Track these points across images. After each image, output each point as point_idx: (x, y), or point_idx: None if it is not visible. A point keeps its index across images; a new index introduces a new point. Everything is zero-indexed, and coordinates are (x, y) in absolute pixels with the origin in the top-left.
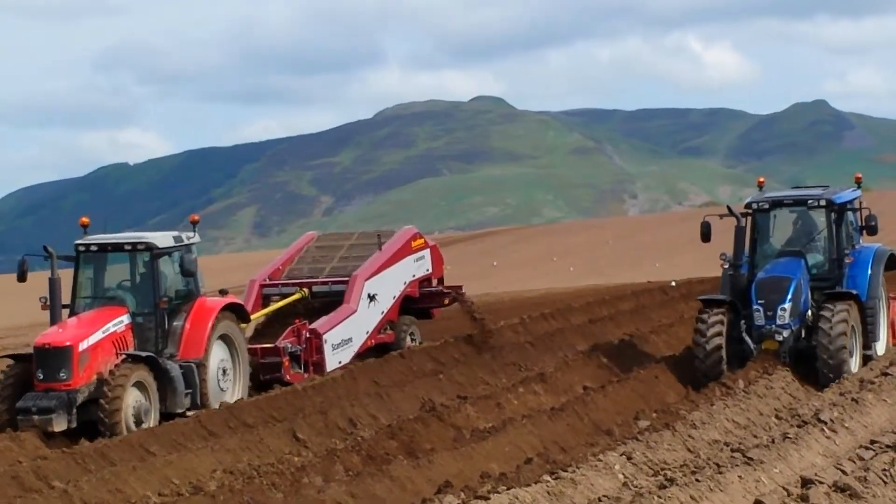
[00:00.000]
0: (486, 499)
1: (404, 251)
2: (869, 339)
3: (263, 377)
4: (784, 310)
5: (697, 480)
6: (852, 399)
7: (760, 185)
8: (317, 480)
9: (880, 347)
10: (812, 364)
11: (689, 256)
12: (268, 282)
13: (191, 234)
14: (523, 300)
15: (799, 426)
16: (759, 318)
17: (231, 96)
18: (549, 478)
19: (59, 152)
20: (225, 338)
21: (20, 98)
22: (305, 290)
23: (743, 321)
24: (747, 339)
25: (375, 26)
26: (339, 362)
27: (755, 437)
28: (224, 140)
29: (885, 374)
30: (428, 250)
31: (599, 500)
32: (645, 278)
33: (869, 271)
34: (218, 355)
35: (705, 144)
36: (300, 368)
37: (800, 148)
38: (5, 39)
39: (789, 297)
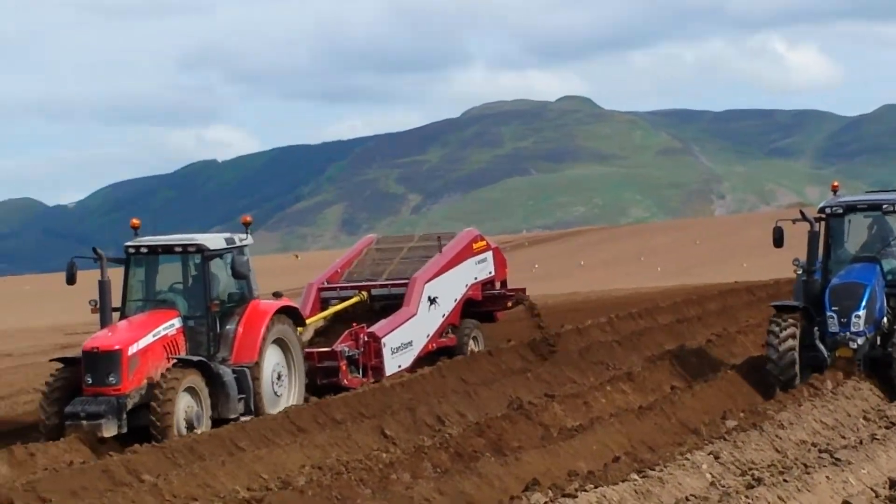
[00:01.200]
0: (574, 497)
1: (465, 253)
2: None
3: (320, 382)
4: (858, 317)
5: (785, 481)
6: None
7: (835, 190)
8: (405, 477)
9: None
10: (887, 372)
11: (777, 257)
12: (326, 285)
13: (243, 235)
14: (610, 299)
15: (887, 427)
16: (833, 325)
17: (317, 95)
18: (636, 476)
19: (147, 149)
20: (280, 342)
21: (108, 96)
22: (364, 293)
23: (816, 328)
24: (821, 346)
25: (461, 26)
26: (399, 366)
27: (843, 437)
28: (311, 138)
29: None
30: (490, 252)
31: (687, 499)
32: (732, 278)
33: None
34: (272, 360)
35: (792, 145)
36: (358, 373)
37: (888, 150)
38: (94, 38)
39: (864, 303)
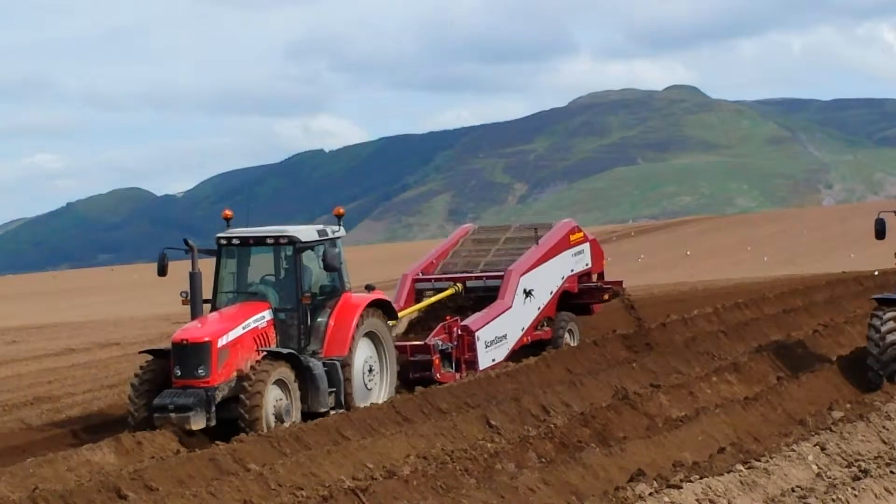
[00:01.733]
0: (679, 488)
1: (562, 245)
2: None
3: (413, 376)
4: None
5: (892, 472)
6: None
7: None
8: (509, 467)
9: None
10: None
11: (886, 248)
12: (421, 276)
13: (336, 227)
14: (717, 289)
15: None
16: None
17: (423, 84)
18: (741, 467)
19: (254, 139)
20: (371, 335)
21: (215, 86)
22: (459, 284)
23: None
24: None
25: (567, 15)
26: (493, 360)
27: None
28: (418, 127)
29: None
30: (587, 244)
31: (793, 490)
32: (839, 268)
33: None
34: (364, 353)
35: None
36: (451, 367)
37: None
38: (201, 29)
39: None
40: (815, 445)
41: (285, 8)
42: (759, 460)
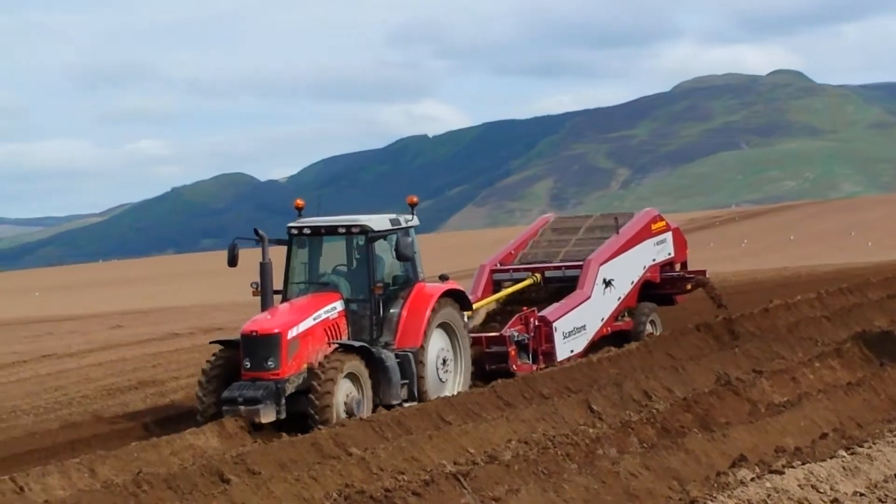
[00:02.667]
0: (781, 473)
1: (643, 234)
2: None
3: (489, 367)
4: None
5: None
6: None
7: None
8: (611, 452)
9: None
10: None
11: None
12: (499, 266)
13: (409, 216)
14: (820, 274)
15: None
16: None
17: (525, 70)
18: (844, 453)
19: (357, 125)
20: (445, 326)
21: (318, 72)
22: (537, 275)
23: None
24: None
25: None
26: (571, 351)
27: None
28: (520, 113)
29: None
30: (669, 233)
31: None
32: None
33: None
34: (437, 345)
35: None
36: (528, 358)
37: None
38: (303, 14)
39: None
40: None
41: None
42: (862, 446)
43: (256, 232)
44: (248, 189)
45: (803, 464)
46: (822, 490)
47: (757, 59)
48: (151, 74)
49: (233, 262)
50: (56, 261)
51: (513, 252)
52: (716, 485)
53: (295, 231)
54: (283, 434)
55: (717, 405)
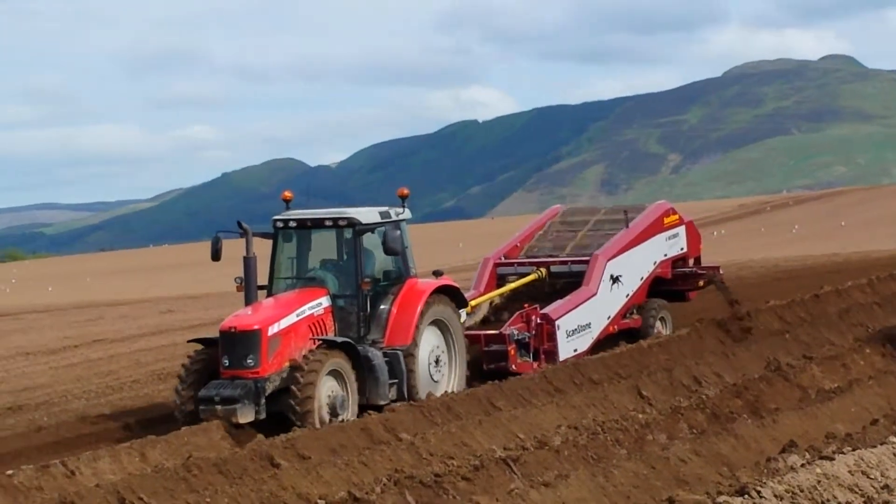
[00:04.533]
0: (831, 459)
1: (654, 228)
2: None
3: (487, 367)
4: None
5: None
6: None
7: None
8: (661, 438)
9: None
10: None
11: None
12: (503, 260)
13: (400, 209)
14: (872, 260)
15: None
16: None
17: (574, 55)
18: (895, 439)
19: (406, 110)
20: (439, 324)
21: (365, 57)
22: (542, 270)
23: None
24: None
25: None
26: (575, 350)
27: None
28: (570, 98)
29: None
30: (682, 227)
31: None
32: None
33: None
34: (430, 343)
35: None
36: (529, 357)
37: None
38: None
39: None
40: None
41: None
42: None
43: (240, 225)
44: (298, 174)
45: (854, 450)
46: (872, 476)
47: (808, 44)
48: (200, 60)
49: (216, 255)
50: (107, 246)
51: (518, 245)
52: (766, 470)
53: (280, 224)
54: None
55: (768, 391)
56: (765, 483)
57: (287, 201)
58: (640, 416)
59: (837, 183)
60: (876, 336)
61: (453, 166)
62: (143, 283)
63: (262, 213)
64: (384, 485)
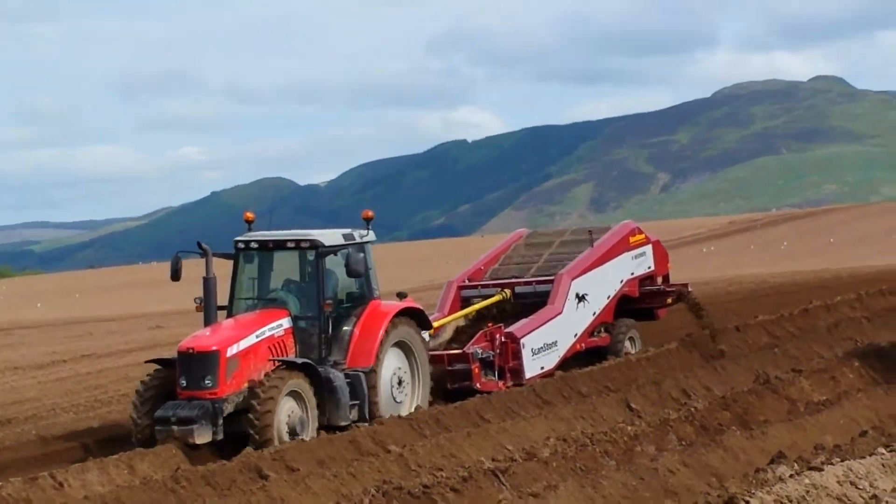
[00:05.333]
0: (820, 470)
1: (620, 247)
2: None
3: (451, 386)
4: None
5: None
6: None
7: None
8: (650, 449)
9: None
10: None
11: None
12: (467, 283)
13: (364, 231)
14: (861, 276)
15: None
16: None
17: (563, 77)
18: (883, 450)
19: (395, 131)
20: (402, 345)
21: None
22: (507, 291)
23: None
24: None
25: (707, 7)
26: (542, 368)
27: None
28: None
29: None
30: (649, 246)
31: None
32: None
33: None
34: (392, 364)
35: None
36: (493, 376)
37: None
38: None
39: None
40: None
41: (426, 1)
42: None
43: (200, 245)
44: (288, 193)
45: (842, 461)
46: (861, 487)
47: (797, 65)
48: (192, 81)
49: (175, 276)
50: (96, 263)
51: (483, 268)
52: (754, 481)
53: (242, 245)
54: (321, 431)
55: (756, 403)
56: (753, 493)
57: (249, 222)
58: (629, 428)
59: (826, 201)
60: (865, 350)
61: (443, 185)
62: (133, 300)
63: (253, 231)
64: (372, 496)
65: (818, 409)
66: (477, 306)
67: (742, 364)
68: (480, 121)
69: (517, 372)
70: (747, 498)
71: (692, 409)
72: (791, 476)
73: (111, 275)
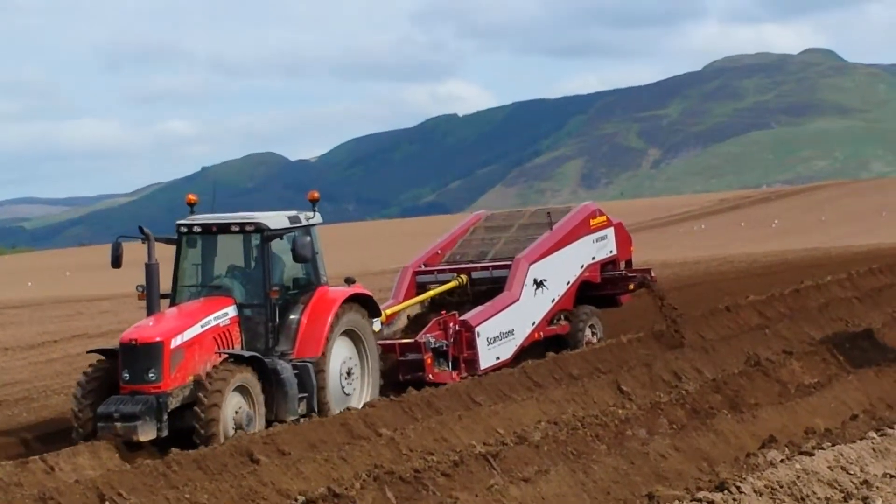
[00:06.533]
0: (811, 454)
1: (580, 230)
2: None
3: (403, 377)
4: None
5: None
6: None
7: None
8: (640, 433)
9: None
10: None
11: None
12: (423, 268)
13: (310, 213)
14: (851, 255)
15: None
16: None
17: (553, 50)
18: (874, 434)
19: (384, 105)
20: (351, 334)
21: (344, 52)
22: (463, 276)
23: None
24: None
25: None
26: (497, 358)
27: None
28: (550, 92)
29: None
30: (611, 229)
31: None
32: None
33: None
34: (341, 354)
35: None
36: (447, 366)
37: None
38: None
39: None
40: None
41: None
42: (893, 427)
43: (141, 230)
44: (278, 168)
45: (833, 445)
46: (851, 472)
47: (787, 38)
48: (178, 54)
49: (116, 262)
50: (86, 240)
51: (440, 252)
52: (745, 466)
53: (185, 229)
54: (313, 415)
55: (747, 386)
56: (744, 478)
57: (191, 205)
58: (620, 411)
59: (817, 177)
60: (856, 331)
61: (433, 161)
62: (124, 278)
63: (243, 208)
64: (364, 480)
65: (809, 392)
66: (432, 292)
67: (733, 345)
68: (469, 94)
69: (472, 362)
70: (738, 483)
71: (683, 392)
72: (782, 461)
73: (102, 252)
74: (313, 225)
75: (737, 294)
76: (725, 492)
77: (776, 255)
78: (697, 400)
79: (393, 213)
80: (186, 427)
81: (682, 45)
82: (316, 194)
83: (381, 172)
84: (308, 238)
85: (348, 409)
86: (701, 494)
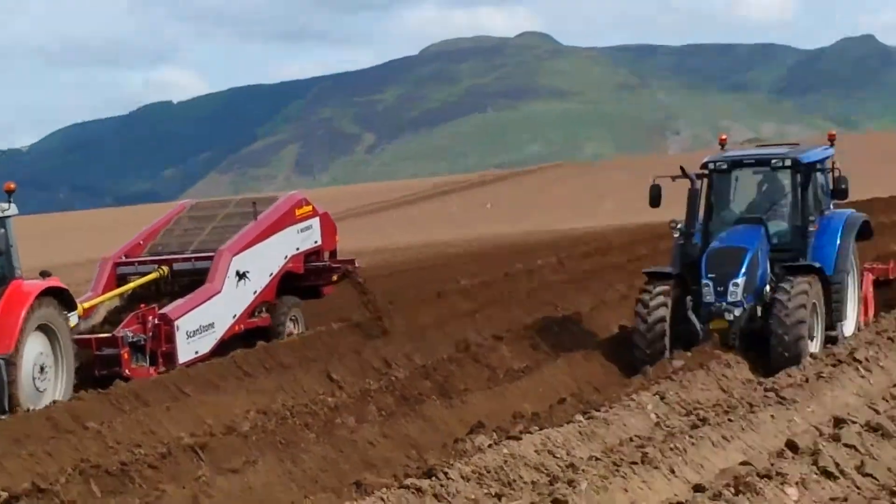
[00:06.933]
0: (518, 439)
1: (285, 221)
2: (833, 317)
3: (99, 373)
4: (737, 285)
5: (730, 420)
6: (888, 338)
7: (723, 143)
8: (349, 421)
9: (847, 327)
10: (765, 348)
11: None
12: (124, 259)
13: (5, 205)
14: (562, 237)
15: (833, 365)
16: (709, 294)
17: (270, 35)
18: (581, 417)
19: (98, 91)
20: (45, 329)
21: (53, 37)
22: (164, 268)
23: (690, 298)
24: (693, 317)
25: None
26: (196, 352)
27: (789, 376)
28: (267, 78)
29: None
30: (317, 219)
31: (631, 439)
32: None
33: (838, 241)
34: (35, 349)
35: (751, 80)
36: (145, 361)
37: (846, 83)
38: None
39: (743, 270)
40: (654, 395)
41: None
42: (599, 410)
43: None
44: None
45: (540, 429)
46: (558, 455)
47: (503, 21)
48: None
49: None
50: None
51: (142, 243)
52: (453, 452)
53: None
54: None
55: (457, 372)
56: (452, 464)
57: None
58: (330, 399)
59: (531, 161)
60: (565, 315)
61: (147, 149)
62: None
63: None
64: (69, 475)
65: (518, 377)
66: (132, 285)
67: (444, 331)
68: (184, 81)
69: (170, 356)
70: (446, 469)
71: (392, 379)
72: (490, 446)
73: None
74: (8, 217)
75: (449, 279)
76: (433, 478)
77: (488, 240)
78: (407, 387)
79: (107, 201)
80: None
81: (400, 29)
82: (11, 185)
83: (94, 161)
84: (2, 230)
85: (54, 402)
86: (409, 481)
